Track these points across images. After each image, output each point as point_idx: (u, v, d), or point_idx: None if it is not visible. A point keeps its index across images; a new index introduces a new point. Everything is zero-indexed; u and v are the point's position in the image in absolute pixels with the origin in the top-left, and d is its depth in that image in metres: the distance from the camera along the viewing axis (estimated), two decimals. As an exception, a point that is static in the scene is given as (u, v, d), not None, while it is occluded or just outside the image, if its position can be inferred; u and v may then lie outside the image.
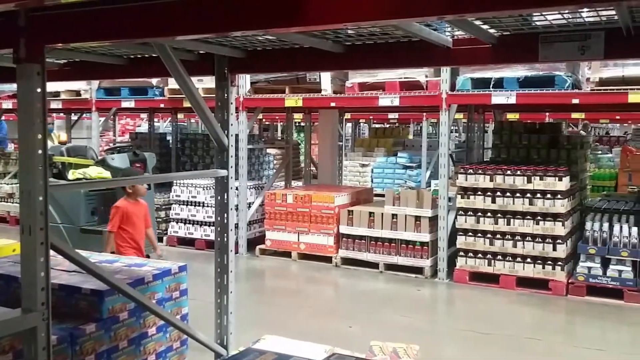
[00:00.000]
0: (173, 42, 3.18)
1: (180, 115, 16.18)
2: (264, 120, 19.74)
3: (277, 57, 3.63)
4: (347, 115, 15.85)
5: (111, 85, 10.03)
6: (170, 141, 12.08)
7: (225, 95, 3.81)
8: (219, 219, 3.86)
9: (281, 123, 19.43)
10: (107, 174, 7.97)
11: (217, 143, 3.81)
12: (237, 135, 8.83)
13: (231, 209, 3.86)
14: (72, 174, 7.65)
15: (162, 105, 9.97)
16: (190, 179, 9.21)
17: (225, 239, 3.83)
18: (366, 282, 7.48)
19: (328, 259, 8.10)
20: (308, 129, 11.55)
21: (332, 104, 8.32)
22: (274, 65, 3.86)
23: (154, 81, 9.63)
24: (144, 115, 19.28)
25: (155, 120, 14.89)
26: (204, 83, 8.14)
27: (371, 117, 19.13)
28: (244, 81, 8.66)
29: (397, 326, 5.71)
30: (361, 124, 21.53)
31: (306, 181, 11.21)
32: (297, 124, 19.02)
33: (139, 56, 3.97)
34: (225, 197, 3.83)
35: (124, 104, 10.11)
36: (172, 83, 8.99)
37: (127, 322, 3.33)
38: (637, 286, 6.48)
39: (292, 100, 8.36)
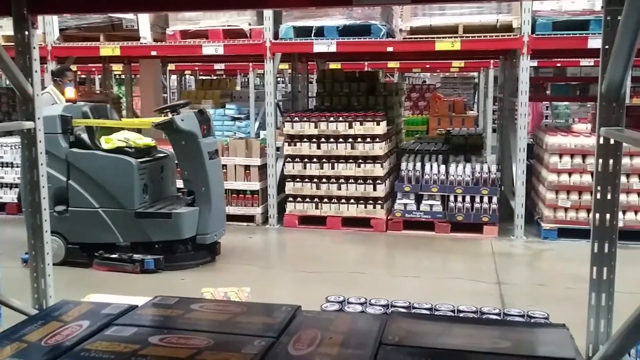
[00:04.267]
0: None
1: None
2: (79, 72, 18.26)
3: (82, -4, 3.33)
4: (171, 67, 15.25)
5: None
6: (-32, 97, 10.71)
7: (26, 39, 3.43)
8: (28, 176, 3.53)
9: (99, 75, 18.15)
10: (146, 141, 6.14)
11: (21, 93, 3.42)
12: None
13: (41, 164, 3.55)
14: (106, 142, 5.88)
15: (-47, 55, 8.74)
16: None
17: (37, 197, 3.52)
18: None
19: (157, 215, 7.86)
20: (128, 80, 10.96)
21: (153, 53, 7.93)
22: (79, 4, 3.53)
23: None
24: None
25: (-53, 73, 13.07)
26: (4, 30, 7.29)
27: (197, 69, 18.59)
28: (52, 28, 7.89)
29: (229, 274, 5.77)
30: (187, 76, 20.87)
31: (130, 136, 10.66)
32: (116, 77, 17.91)
33: None
34: (34, 151, 3.49)
35: None
36: (-36, 29, 7.91)
37: None
38: (446, 218, 7.21)
39: (109, 48, 7.81)
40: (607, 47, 2.25)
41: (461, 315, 2.94)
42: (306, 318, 1.74)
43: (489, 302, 4.58)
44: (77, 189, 5.76)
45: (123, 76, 13.11)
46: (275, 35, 7.38)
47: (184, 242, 5.81)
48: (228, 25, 7.58)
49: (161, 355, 1.53)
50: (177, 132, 5.66)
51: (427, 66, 15.69)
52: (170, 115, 5.76)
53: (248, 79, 16.84)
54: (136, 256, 5.71)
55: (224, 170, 7.62)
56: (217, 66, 16.28)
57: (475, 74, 18.33)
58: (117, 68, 13.73)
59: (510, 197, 7.80)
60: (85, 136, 5.89)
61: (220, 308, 1.87)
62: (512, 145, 7.60)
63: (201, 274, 5.77)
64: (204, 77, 19.98)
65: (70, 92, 6.88)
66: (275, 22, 7.37)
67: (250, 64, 13.91)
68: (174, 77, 18.41)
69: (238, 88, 17.87)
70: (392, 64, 14.11)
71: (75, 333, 1.69)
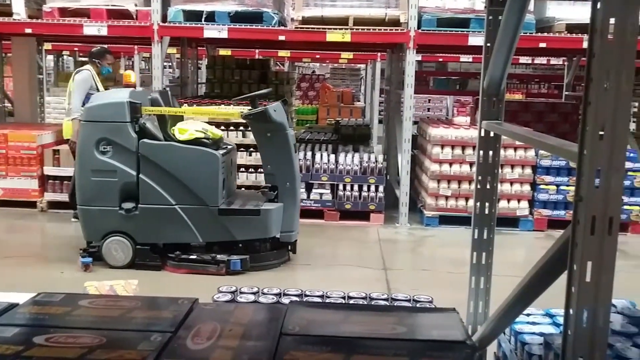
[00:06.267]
0: None
1: None
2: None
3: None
4: (48, 46, 14.27)
5: None
6: None
7: None
8: None
9: (-37, 53, 16.57)
10: (219, 132, 5.63)
11: None
12: None
13: None
14: (181, 132, 5.23)
15: None
16: None
17: None
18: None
19: (32, 204, 7.37)
20: (-1, 59, 10.08)
21: (28, 30, 7.36)
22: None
23: None
24: None
25: None
26: None
27: (76, 50, 17.53)
28: None
29: (111, 267, 5.49)
30: (65, 57, 19.61)
31: (0, 119, 9.89)
32: (-16, 54, 16.45)
33: None
34: None
35: None
36: None
37: None
38: (335, 206, 7.36)
39: (-24, 23, 7.15)
40: (488, 44, 2.39)
41: (352, 301, 3.03)
42: (204, 311, 1.70)
43: (377, 287, 4.75)
44: (149, 184, 5.17)
45: (-8, 54, 12.06)
46: (164, 18, 7.13)
47: (265, 241, 5.45)
48: (112, 5, 7.22)
49: (48, 356, 1.44)
50: (267, 123, 5.20)
51: (317, 56, 15.87)
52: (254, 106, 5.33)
53: (133, 62, 16.14)
54: (220, 256, 5.26)
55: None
56: (98, 47, 15.42)
57: (363, 65, 18.81)
58: (-15, 45, 12.57)
59: (396, 186, 8.11)
60: (150, 125, 5.23)
61: (111, 303, 1.78)
62: (398, 136, 7.90)
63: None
64: (83, 59, 18.89)
65: (132, 75, 6.17)
66: (163, 4, 7.11)
67: (136, 46, 13.33)
68: (50, 57, 17.27)
69: (122, 71, 17.11)
70: (282, 53, 14.12)
71: (-53, 336, 1.54)
